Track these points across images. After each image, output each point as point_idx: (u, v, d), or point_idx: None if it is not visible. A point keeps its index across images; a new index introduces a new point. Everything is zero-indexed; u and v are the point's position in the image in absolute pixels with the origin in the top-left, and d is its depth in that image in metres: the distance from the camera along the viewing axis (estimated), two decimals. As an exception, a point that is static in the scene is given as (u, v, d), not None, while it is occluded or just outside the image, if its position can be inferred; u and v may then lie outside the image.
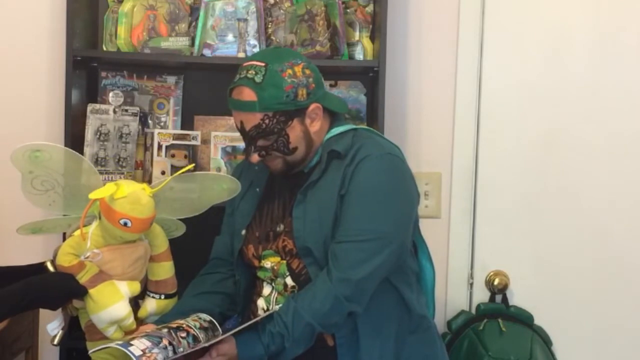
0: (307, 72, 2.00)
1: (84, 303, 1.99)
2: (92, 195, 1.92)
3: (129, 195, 1.92)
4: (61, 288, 1.92)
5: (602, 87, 2.92)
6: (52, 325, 2.01)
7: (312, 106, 2.01)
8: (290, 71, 1.97)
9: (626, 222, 2.94)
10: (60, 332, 2.02)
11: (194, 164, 2.21)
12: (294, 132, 1.99)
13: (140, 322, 2.04)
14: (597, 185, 2.93)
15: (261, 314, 2.02)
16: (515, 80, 2.92)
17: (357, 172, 1.96)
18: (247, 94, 1.96)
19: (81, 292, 1.94)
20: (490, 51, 2.90)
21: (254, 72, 1.96)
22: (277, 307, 1.97)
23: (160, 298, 2.07)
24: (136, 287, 1.99)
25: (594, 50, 2.91)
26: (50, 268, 1.98)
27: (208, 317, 1.98)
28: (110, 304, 1.94)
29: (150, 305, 2.06)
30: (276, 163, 2.04)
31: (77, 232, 1.98)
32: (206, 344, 1.88)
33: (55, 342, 2.02)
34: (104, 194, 1.92)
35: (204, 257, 2.25)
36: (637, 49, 2.92)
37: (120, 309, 1.95)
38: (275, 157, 2.02)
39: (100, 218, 1.97)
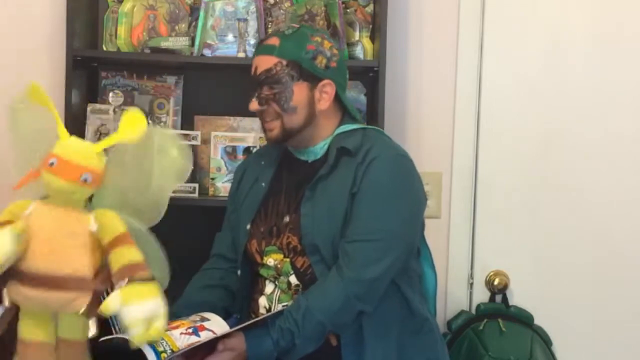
0: (335, 51, 2.06)
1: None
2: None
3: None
4: None
5: (602, 86, 2.92)
6: None
7: (326, 81, 2.02)
8: (318, 39, 2.04)
9: (626, 221, 2.94)
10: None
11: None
12: (300, 92, 2.01)
13: None
14: (597, 185, 2.93)
15: (263, 312, 2.02)
16: (515, 80, 2.92)
17: (369, 171, 1.96)
18: (272, 40, 2.04)
19: None
20: (490, 51, 2.90)
21: (286, 28, 2.05)
22: (280, 307, 1.96)
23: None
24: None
25: (594, 49, 2.91)
26: None
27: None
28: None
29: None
30: (273, 125, 2.03)
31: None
32: (217, 336, 1.85)
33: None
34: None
35: (204, 255, 2.25)
36: (637, 48, 2.92)
37: None
38: (272, 113, 2.02)
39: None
